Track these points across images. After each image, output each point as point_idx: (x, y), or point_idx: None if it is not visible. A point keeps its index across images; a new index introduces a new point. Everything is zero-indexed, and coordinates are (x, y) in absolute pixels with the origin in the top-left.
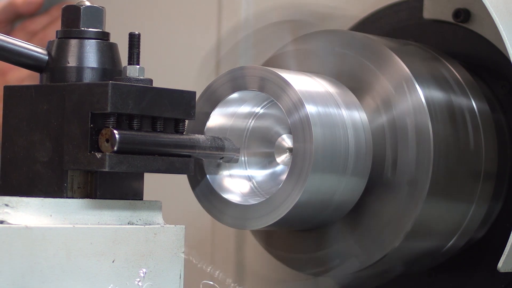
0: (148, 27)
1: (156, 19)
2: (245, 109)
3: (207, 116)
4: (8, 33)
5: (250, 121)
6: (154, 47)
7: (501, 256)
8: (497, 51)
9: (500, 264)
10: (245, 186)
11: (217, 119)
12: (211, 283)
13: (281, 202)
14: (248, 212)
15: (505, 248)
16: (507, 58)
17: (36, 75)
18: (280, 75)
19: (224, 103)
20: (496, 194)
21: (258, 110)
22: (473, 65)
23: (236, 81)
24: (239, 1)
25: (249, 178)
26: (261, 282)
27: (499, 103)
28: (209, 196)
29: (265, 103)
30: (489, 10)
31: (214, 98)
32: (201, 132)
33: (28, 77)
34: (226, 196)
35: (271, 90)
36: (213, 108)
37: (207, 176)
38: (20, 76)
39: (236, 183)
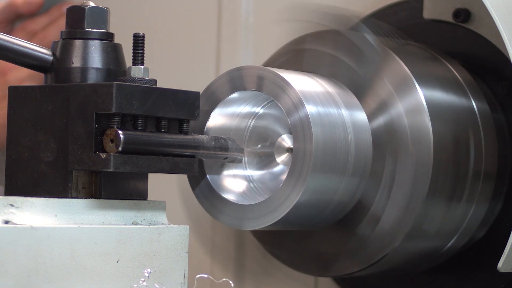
0: (148, 28)
1: (156, 20)
2: (245, 109)
3: (207, 116)
4: (8, 33)
5: (250, 121)
6: (154, 48)
7: (501, 256)
8: (497, 51)
9: (500, 264)
10: (245, 186)
11: (217, 119)
12: (205, 275)
13: (281, 202)
14: (248, 212)
15: (505, 248)
16: (507, 58)
17: (36, 75)
18: (279, 75)
19: (224, 103)
20: (496, 194)
21: (258, 110)
22: (473, 65)
23: (234, 81)
24: (239, 1)
25: (249, 178)
26: (261, 282)
27: (499, 103)
28: (209, 196)
29: (265, 103)
30: (489, 10)
31: (213, 99)
32: (201, 132)
33: (28, 77)
34: (226, 196)
35: (270, 90)
36: (213, 108)
37: (207, 176)
38: (20, 76)
39: (236, 183)
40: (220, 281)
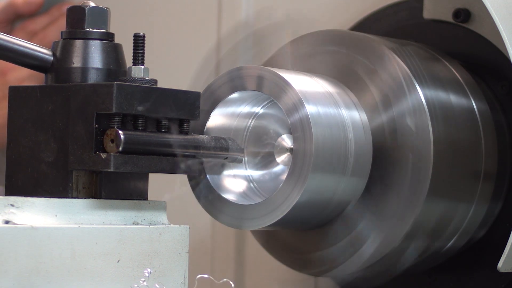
0: (148, 28)
1: (156, 20)
2: (245, 109)
3: (207, 117)
4: (8, 33)
5: (250, 121)
6: (154, 48)
7: (501, 256)
8: (497, 51)
9: (500, 264)
10: (245, 186)
11: (217, 119)
12: (206, 276)
13: (281, 202)
14: (248, 212)
15: (505, 248)
16: (507, 58)
17: (36, 75)
18: (279, 75)
19: (224, 103)
20: (496, 194)
21: (258, 110)
22: (473, 65)
23: (234, 82)
24: (239, 1)
25: (249, 178)
26: (261, 282)
27: (499, 103)
28: (209, 196)
29: (265, 103)
30: (489, 10)
31: (213, 99)
32: (201, 132)
33: (28, 77)
34: (226, 196)
35: (270, 90)
36: (212, 108)
37: (207, 176)
38: (20, 76)
39: (236, 183)
40: (221, 281)
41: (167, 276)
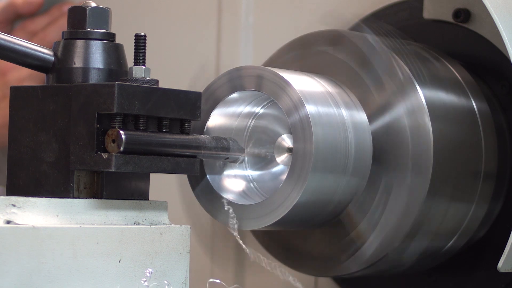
0: (148, 28)
1: (156, 20)
2: (245, 109)
3: (207, 117)
4: (8, 33)
5: (250, 121)
6: (154, 48)
7: (501, 256)
8: (497, 51)
9: (500, 264)
10: (245, 186)
11: (217, 119)
12: (218, 281)
13: (281, 202)
14: (248, 212)
15: (505, 248)
16: (507, 58)
17: (36, 75)
18: (279, 74)
19: (224, 103)
20: (496, 194)
21: (258, 110)
22: (473, 65)
23: (234, 82)
24: (239, 1)
25: (249, 178)
26: (261, 282)
27: (499, 103)
28: (209, 196)
29: (265, 102)
30: (489, 10)
31: (213, 99)
32: (201, 132)
33: (28, 77)
34: (226, 196)
35: (270, 90)
36: (212, 108)
37: (207, 176)
38: (20, 76)
39: (236, 183)
40: (232, 287)
41: (168, 276)
